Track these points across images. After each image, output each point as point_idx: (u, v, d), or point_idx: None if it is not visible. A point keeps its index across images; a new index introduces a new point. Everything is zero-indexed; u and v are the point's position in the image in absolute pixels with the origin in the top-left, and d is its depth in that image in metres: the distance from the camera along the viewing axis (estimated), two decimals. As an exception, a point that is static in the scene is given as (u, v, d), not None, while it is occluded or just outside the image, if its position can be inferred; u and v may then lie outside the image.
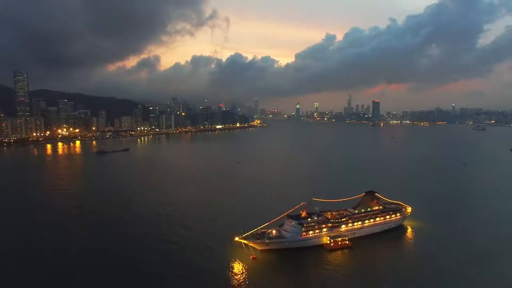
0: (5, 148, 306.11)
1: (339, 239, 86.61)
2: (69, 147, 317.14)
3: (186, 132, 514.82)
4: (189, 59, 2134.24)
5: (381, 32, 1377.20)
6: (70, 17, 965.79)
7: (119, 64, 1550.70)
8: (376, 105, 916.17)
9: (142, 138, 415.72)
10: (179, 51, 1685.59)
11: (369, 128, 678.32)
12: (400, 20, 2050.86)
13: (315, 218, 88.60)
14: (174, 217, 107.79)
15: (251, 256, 78.88)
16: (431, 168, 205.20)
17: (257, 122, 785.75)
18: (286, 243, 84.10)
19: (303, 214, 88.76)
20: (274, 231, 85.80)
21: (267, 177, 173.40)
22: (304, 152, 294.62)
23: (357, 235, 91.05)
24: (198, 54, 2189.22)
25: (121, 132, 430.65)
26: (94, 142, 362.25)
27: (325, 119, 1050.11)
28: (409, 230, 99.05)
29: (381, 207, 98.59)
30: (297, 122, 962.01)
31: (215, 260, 77.84)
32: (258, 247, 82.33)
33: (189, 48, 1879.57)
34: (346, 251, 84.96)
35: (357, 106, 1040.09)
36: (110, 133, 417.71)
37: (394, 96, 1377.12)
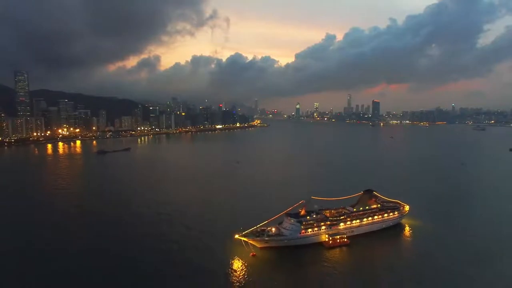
0: (5, 147, 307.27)
1: (338, 237, 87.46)
2: (69, 147, 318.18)
3: (186, 132, 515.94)
4: (189, 59, 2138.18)
5: (381, 32, 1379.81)
6: (70, 17, 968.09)
7: (119, 64, 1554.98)
8: (376, 105, 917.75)
9: (142, 138, 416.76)
10: (179, 51, 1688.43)
11: (369, 128, 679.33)
12: (400, 20, 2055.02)
13: (314, 216, 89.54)
14: (174, 216, 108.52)
15: (251, 253, 79.78)
16: (430, 167, 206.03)
17: (257, 122, 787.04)
18: (285, 241, 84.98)
19: (302, 212, 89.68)
20: (273, 229, 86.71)
21: (267, 176, 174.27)
22: (304, 152, 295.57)
23: (355, 233, 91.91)
24: (198, 54, 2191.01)
25: (121, 132, 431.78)
26: (94, 142, 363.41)
27: (325, 119, 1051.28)
28: (407, 228, 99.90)
29: (379, 205, 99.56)
30: (297, 122, 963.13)
31: (216, 257, 78.68)
32: (258, 245, 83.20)
33: (189, 48, 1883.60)
34: (344, 248, 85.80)
35: (357, 106, 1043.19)
36: (111, 133, 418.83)
37: (394, 96, 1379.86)
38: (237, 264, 75.76)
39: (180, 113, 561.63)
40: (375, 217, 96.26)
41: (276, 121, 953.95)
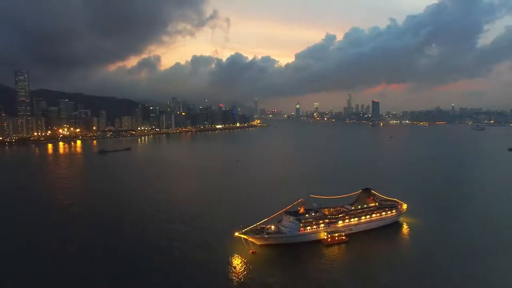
0: (6, 147, 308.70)
1: (336, 234, 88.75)
2: (70, 147, 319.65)
3: (186, 132, 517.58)
4: (189, 59, 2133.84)
5: (381, 32, 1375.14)
6: (71, 17, 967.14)
7: (120, 64, 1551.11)
8: (376, 105, 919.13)
9: (143, 138, 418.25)
10: (179, 51, 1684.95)
11: (369, 128, 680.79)
12: (400, 20, 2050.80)
13: (313, 214, 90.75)
14: (174, 214, 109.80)
15: (251, 251, 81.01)
16: (429, 167, 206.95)
17: (257, 122, 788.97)
18: (285, 238, 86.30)
19: (301, 210, 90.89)
20: (273, 227, 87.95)
21: (267, 175, 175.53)
22: (304, 152, 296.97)
23: (354, 231, 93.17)
24: (198, 54, 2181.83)
25: (122, 132, 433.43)
26: (94, 141, 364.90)
27: (325, 119, 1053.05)
28: (405, 226, 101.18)
29: (377, 203, 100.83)
30: (297, 122, 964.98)
31: (216, 254, 79.90)
32: (257, 242, 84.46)
33: (190, 48, 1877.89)
34: (342, 246, 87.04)
35: (357, 106, 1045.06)
36: (111, 132, 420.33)
37: (394, 96, 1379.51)
38: (237, 261, 77.04)
39: (180, 113, 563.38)
40: (373, 215, 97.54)
41: (276, 121, 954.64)
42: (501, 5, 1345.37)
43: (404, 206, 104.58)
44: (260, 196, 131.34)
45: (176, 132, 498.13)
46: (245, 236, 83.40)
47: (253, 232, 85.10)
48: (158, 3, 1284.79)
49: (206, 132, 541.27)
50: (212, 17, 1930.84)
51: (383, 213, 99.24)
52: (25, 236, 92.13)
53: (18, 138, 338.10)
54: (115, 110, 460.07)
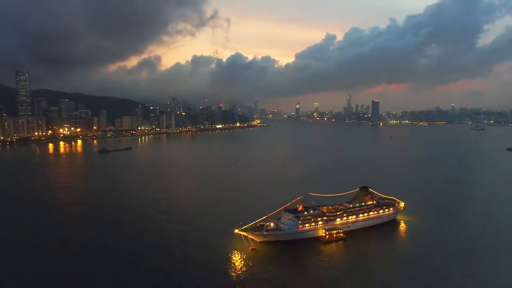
0: (7, 147, 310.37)
1: (334, 231, 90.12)
2: (70, 146, 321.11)
3: (187, 131, 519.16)
4: (189, 59, 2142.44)
5: (381, 32, 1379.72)
6: (71, 17, 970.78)
7: (120, 64, 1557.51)
8: (375, 105, 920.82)
9: (143, 138, 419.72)
10: (179, 51, 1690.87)
11: (369, 128, 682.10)
12: (400, 20, 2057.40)
13: (311, 211, 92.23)
14: (175, 214, 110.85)
15: (250, 247, 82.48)
16: (428, 166, 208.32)
17: (257, 122, 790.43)
18: (284, 235, 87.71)
19: (300, 208, 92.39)
20: (272, 224, 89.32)
21: (266, 174, 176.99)
22: (303, 151, 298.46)
23: (352, 228, 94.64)
24: (198, 54, 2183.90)
25: (122, 132, 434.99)
26: (95, 141, 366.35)
27: (325, 119, 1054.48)
28: (402, 224, 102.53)
29: (374, 202, 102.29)
30: (296, 122, 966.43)
31: (216, 250, 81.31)
32: (257, 239, 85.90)
33: (190, 48, 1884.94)
34: (340, 243, 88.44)
35: (357, 106, 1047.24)
36: (111, 132, 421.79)
37: (394, 96, 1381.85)
38: (237, 257, 78.47)
39: (180, 113, 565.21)
40: (371, 213, 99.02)
41: (276, 121, 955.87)
42: (501, 5, 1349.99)
43: (402, 204, 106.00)
44: (260, 196, 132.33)
45: (176, 132, 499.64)
46: (244, 233, 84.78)
47: (253, 229, 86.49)
48: (158, 3, 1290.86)
49: (206, 132, 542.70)
50: (212, 17, 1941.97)
51: (381, 211, 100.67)
52: (25, 236, 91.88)
53: (19, 138, 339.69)
54: (115, 110, 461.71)
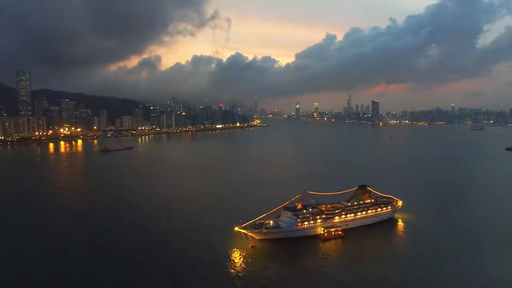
0: (8, 146, 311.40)
1: (333, 229, 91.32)
2: (71, 146, 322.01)
3: (187, 131, 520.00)
4: (190, 59, 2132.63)
5: (381, 32, 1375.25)
6: (72, 17, 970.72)
7: (120, 64, 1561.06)
8: (375, 105, 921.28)
9: (143, 138, 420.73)
10: (180, 51, 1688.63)
11: (368, 128, 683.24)
12: (400, 20, 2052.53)
13: (310, 210, 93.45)
14: (175, 211, 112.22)
15: (250, 245, 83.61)
16: (426, 166, 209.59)
17: (257, 122, 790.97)
18: (283, 233, 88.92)
19: (299, 206, 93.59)
20: (271, 222, 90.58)
21: (266, 173, 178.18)
22: (303, 151, 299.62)
23: (350, 226, 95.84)
24: (199, 54, 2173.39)
25: (122, 132, 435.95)
26: (95, 141, 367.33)
27: (325, 119, 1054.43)
28: (400, 222, 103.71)
29: (373, 200, 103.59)
30: (296, 122, 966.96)
31: (216, 248, 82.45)
32: (257, 237, 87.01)
33: (190, 48, 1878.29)
34: (339, 241, 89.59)
35: (357, 106, 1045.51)
36: (112, 132, 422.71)
37: (393, 96, 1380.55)
38: (237, 255, 79.62)
39: (181, 113, 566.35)
40: (369, 211, 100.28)
41: (276, 121, 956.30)
42: (501, 5, 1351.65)
43: (400, 203, 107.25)
44: (259, 194, 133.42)
45: (177, 132, 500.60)
46: (244, 231, 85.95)
47: (252, 227, 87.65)
48: (159, 3, 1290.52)
49: (206, 131, 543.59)
50: (213, 17, 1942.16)
51: (379, 209, 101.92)
52: (25, 236, 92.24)
53: (19, 138, 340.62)
54: (115, 110, 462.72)
